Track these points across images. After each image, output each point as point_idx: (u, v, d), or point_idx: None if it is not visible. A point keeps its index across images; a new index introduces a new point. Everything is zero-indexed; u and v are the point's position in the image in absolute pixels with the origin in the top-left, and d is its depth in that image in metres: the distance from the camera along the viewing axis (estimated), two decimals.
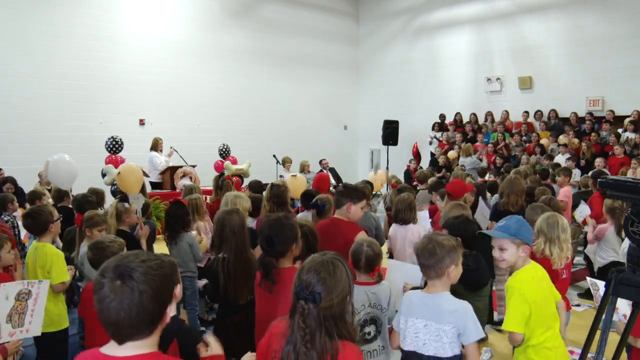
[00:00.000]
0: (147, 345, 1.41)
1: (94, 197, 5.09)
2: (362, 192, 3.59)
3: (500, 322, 5.00)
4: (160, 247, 6.16)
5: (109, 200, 6.44)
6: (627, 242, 3.60)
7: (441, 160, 11.77)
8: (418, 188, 7.29)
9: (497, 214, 5.28)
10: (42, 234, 3.67)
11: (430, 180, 6.62)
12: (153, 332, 1.41)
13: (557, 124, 11.58)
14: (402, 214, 4.48)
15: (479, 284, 3.05)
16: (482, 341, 2.91)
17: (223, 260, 3.12)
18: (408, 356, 2.41)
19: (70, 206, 5.49)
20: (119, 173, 5.12)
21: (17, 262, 3.63)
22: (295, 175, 7.98)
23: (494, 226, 5.26)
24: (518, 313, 2.47)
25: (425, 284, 2.49)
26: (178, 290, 2.21)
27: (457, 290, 2.92)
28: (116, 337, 1.38)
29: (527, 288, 2.51)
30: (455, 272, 2.37)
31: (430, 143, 13.21)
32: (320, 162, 11.47)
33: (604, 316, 1.96)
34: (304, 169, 10.65)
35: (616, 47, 11.26)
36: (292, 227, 2.67)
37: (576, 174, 8.86)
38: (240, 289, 3.09)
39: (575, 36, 11.91)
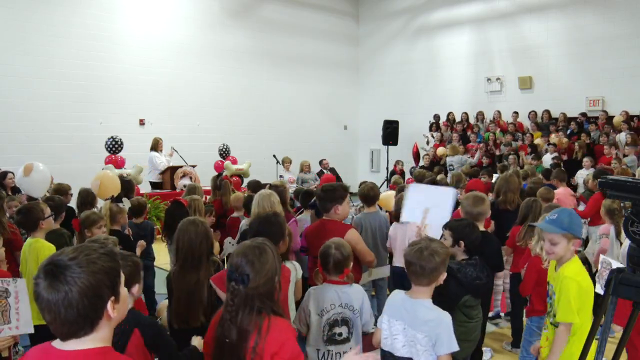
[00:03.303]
0: (93, 340, 1.39)
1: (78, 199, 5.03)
2: (342, 190, 3.63)
3: (492, 318, 5.05)
4: (162, 247, 6.17)
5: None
6: (627, 242, 3.60)
7: (425, 159, 11.94)
8: None
9: (495, 213, 5.26)
10: (34, 230, 3.70)
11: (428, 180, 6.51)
12: (94, 329, 1.38)
13: (547, 124, 11.63)
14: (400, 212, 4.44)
15: (490, 294, 3.08)
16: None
17: (172, 275, 2.90)
18: (385, 356, 2.44)
19: (69, 204, 5.49)
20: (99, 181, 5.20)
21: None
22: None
23: (490, 225, 5.29)
24: (575, 304, 2.50)
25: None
26: (135, 289, 2.30)
27: (468, 303, 2.92)
28: (58, 335, 1.38)
29: (583, 279, 2.56)
30: (443, 276, 2.38)
31: (428, 143, 13.23)
32: (321, 162, 11.47)
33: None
34: (303, 168, 10.65)
35: (616, 47, 11.26)
36: (280, 225, 2.88)
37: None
38: (184, 311, 2.77)
39: (575, 36, 11.91)
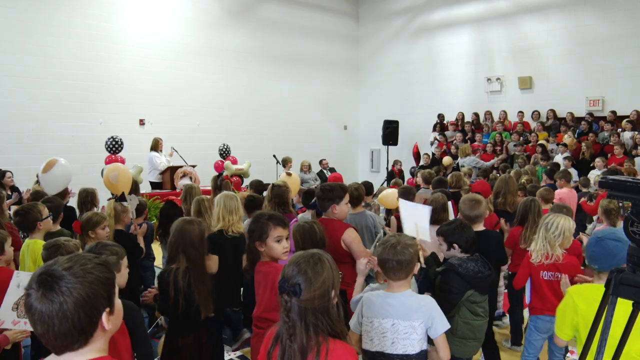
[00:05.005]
0: (90, 351, 1.34)
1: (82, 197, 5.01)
2: (340, 190, 3.60)
3: (495, 318, 5.05)
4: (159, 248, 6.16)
5: (102, 200, 6.42)
6: None
7: (445, 162, 11.65)
8: (422, 188, 7.28)
9: (495, 214, 5.30)
10: (32, 231, 3.71)
11: (433, 180, 6.53)
12: (89, 341, 1.32)
13: (554, 124, 11.61)
14: (435, 214, 4.13)
15: (493, 284, 3.11)
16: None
17: (175, 272, 2.97)
18: (374, 356, 2.39)
19: (69, 204, 5.48)
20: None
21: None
22: (290, 174, 8.01)
23: (501, 224, 5.27)
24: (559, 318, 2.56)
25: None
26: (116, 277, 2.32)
27: (472, 298, 2.92)
28: (51, 348, 1.32)
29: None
30: (417, 267, 2.45)
31: (432, 144, 13.20)
32: (321, 162, 11.48)
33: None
34: (303, 168, 10.66)
35: (616, 47, 11.26)
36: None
37: (573, 174, 8.87)
38: (193, 303, 2.90)
39: (575, 36, 11.91)
